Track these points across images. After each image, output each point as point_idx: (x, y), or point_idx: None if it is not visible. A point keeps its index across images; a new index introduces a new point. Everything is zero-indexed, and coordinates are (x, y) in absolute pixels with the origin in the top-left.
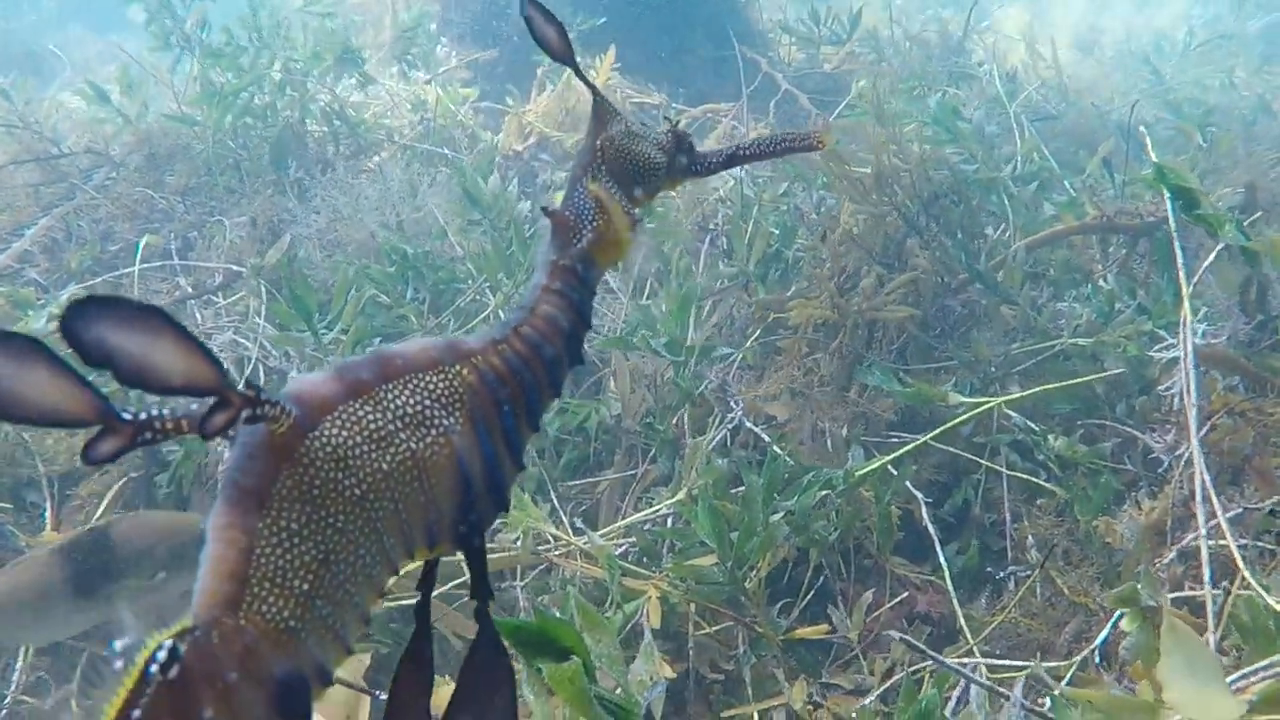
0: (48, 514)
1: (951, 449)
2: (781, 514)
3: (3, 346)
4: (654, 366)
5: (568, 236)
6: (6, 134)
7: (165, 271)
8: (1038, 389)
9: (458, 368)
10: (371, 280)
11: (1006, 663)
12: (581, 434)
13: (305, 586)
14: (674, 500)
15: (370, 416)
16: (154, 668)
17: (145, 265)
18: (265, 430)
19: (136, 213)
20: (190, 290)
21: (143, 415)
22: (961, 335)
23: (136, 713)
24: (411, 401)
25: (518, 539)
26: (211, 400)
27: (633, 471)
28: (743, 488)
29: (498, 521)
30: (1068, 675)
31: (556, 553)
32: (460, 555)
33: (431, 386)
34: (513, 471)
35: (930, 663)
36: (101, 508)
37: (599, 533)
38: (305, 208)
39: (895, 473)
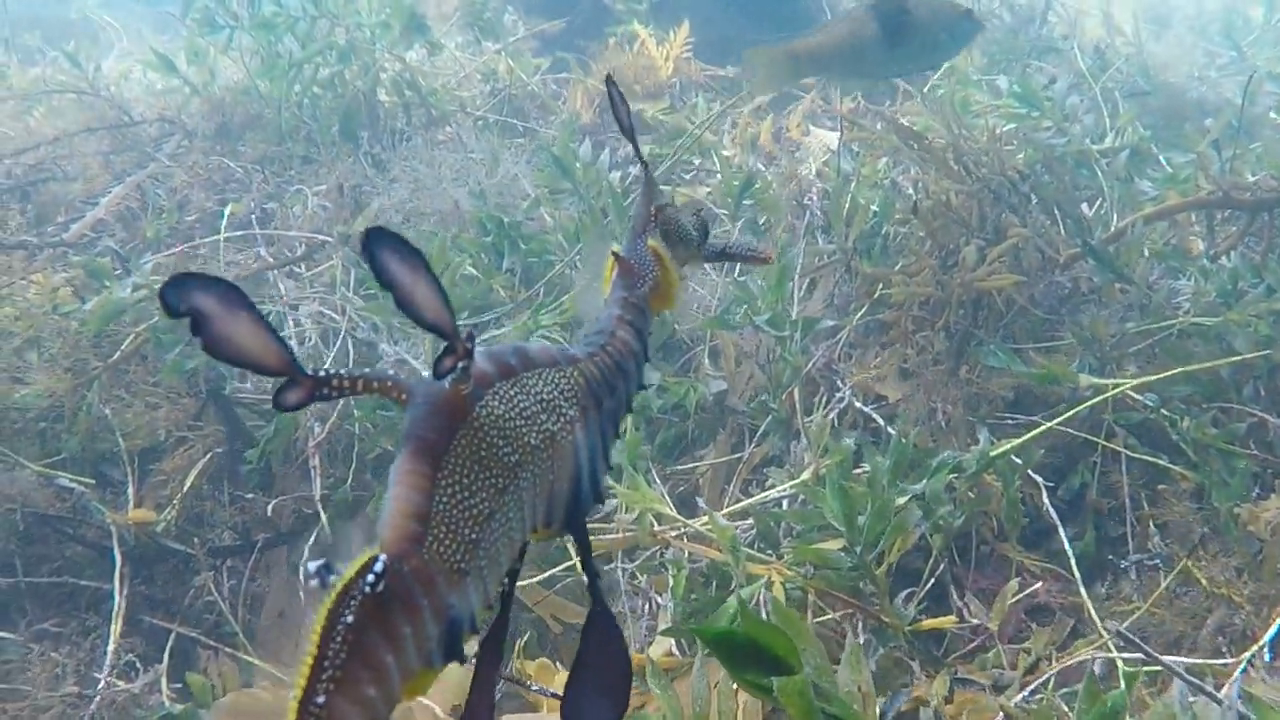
0: (130, 489)
1: (1069, 430)
2: (908, 498)
3: (216, 290)
4: (754, 344)
5: (633, 280)
6: (76, 101)
7: (245, 241)
8: (1177, 370)
9: (571, 369)
10: (462, 250)
11: (1176, 658)
12: (678, 412)
13: (473, 536)
14: (799, 481)
15: (519, 397)
16: (365, 581)
17: (226, 235)
18: (447, 391)
19: (212, 181)
20: (271, 260)
21: (322, 372)
22: (1070, 313)
23: (349, 617)
24: (546, 390)
25: (634, 520)
26: (443, 344)
27: (738, 455)
28: (862, 469)
29: (612, 503)
30: (1237, 672)
31: (673, 534)
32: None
33: (558, 380)
34: (605, 468)
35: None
36: (187, 483)
37: (720, 514)
38: (384, 177)
39: (1019, 461)
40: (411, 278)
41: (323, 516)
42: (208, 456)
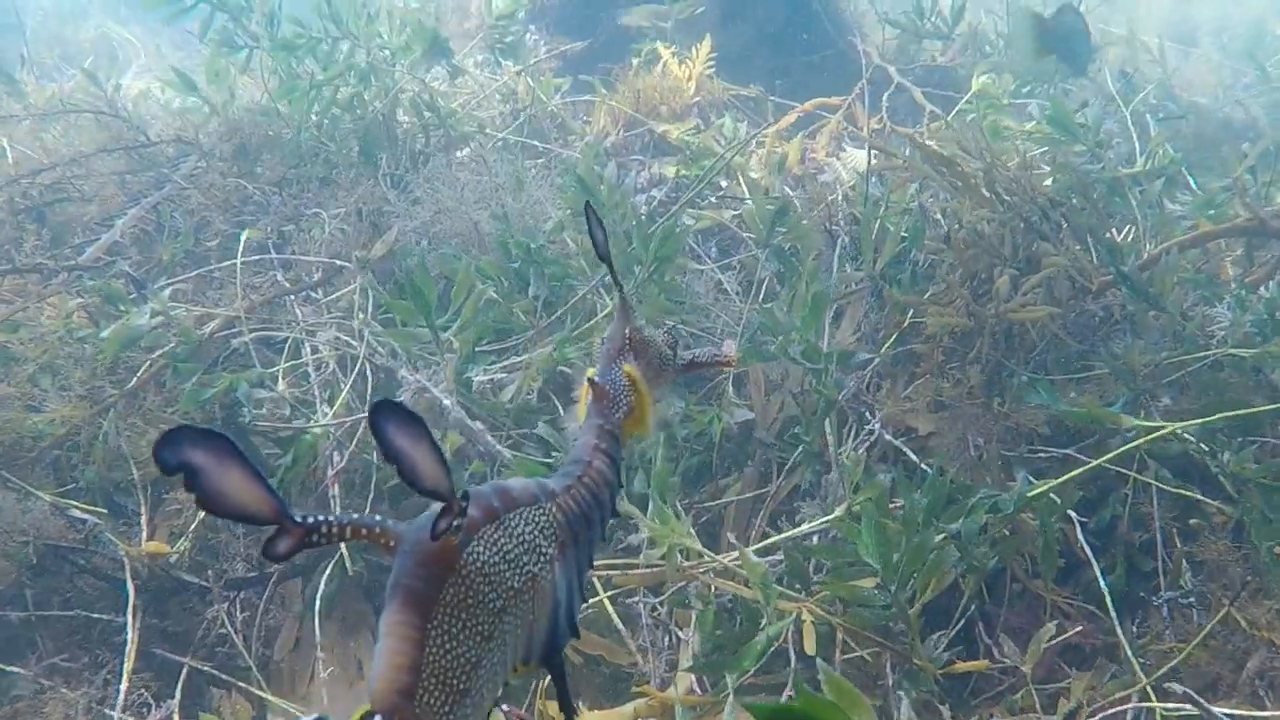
0: (143, 520)
1: (1100, 462)
2: (943, 536)
3: (208, 445)
4: (780, 374)
5: (608, 407)
6: (93, 121)
7: (262, 265)
8: (1218, 409)
9: (550, 505)
10: (483, 275)
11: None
12: (701, 441)
13: (462, 686)
14: (832, 517)
15: (502, 540)
16: None
17: (242, 260)
18: (433, 542)
19: (229, 204)
20: (288, 285)
21: (310, 519)
22: (1102, 342)
23: None
24: (527, 530)
25: (661, 555)
26: (439, 505)
27: (765, 490)
28: (896, 504)
29: (642, 535)
30: None
31: (701, 570)
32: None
33: (537, 519)
34: (580, 601)
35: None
36: (201, 512)
37: (750, 549)
38: (405, 198)
39: (1058, 500)
40: (413, 447)
41: (343, 549)
42: None
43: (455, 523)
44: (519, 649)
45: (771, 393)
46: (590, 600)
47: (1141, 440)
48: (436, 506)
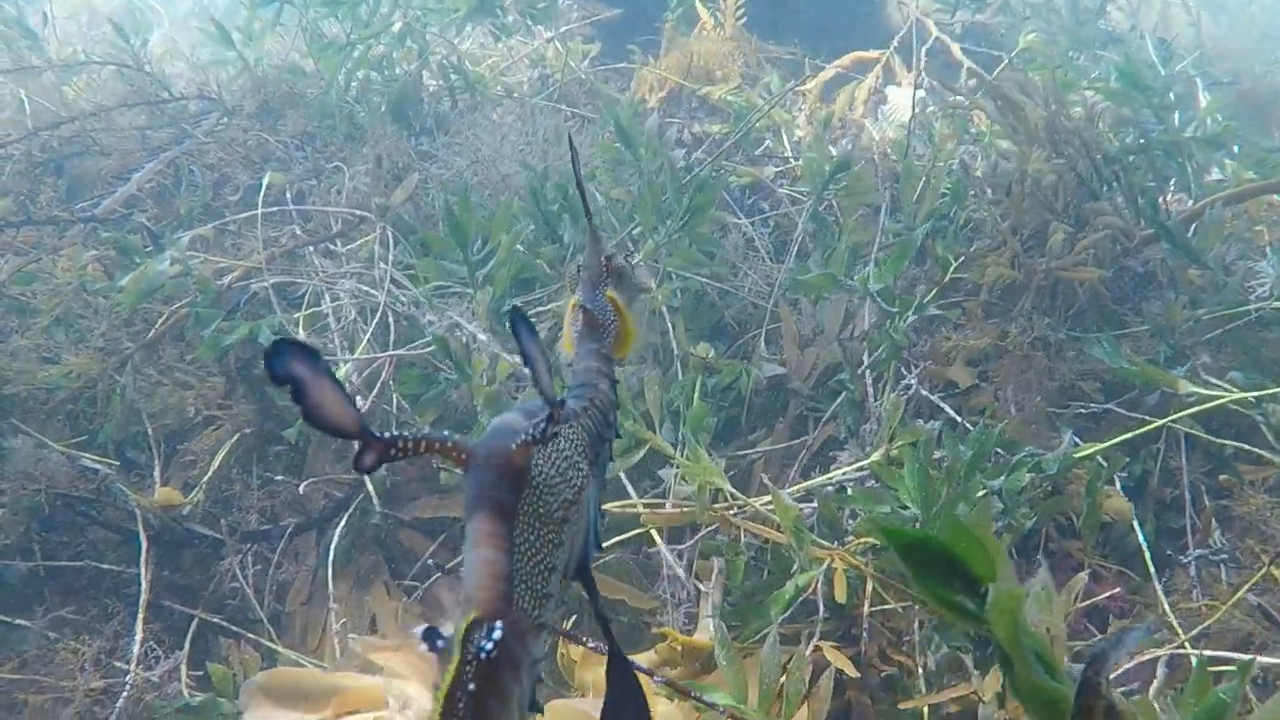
0: (156, 472)
1: (1161, 424)
2: (983, 492)
3: (309, 359)
4: (812, 327)
5: (599, 332)
6: (116, 75)
7: (281, 217)
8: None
9: (577, 425)
10: (516, 220)
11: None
12: (728, 396)
13: (546, 590)
14: (871, 460)
15: (555, 455)
16: (484, 647)
17: (262, 211)
18: (512, 454)
19: (250, 159)
20: (306, 236)
21: (388, 435)
22: (1141, 299)
23: (470, 685)
24: (571, 447)
25: (692, 495)
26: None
27: (799, 439)
28: (939, 457)
29: (672, 475)
30: None
31: (731, 513)
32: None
33: (574, 437)
34: (601, 518)
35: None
36: (214, 463)
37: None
38: (435, 154)
39: (1105, 463)
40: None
41: (371, 491)
42: (236, 437)
43: (555, 430)
44: (569, 559)
45: (805, 347)
46: (609, 544)
47: (1201, 407)
48: (503, 423)
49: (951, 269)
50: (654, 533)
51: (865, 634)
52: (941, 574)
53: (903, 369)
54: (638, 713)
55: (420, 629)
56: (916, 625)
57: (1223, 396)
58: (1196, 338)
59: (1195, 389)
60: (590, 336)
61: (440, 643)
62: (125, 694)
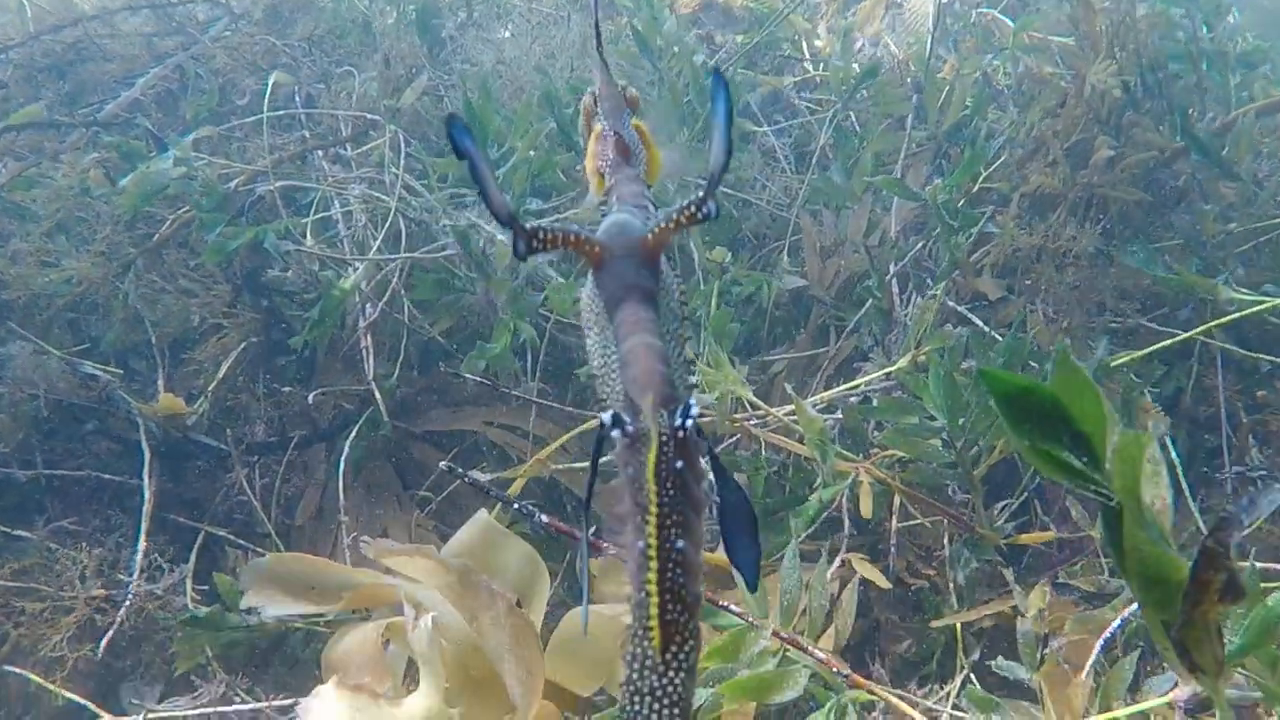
0: (160, 381)
1: (1168, 330)
2: None
3: (475, 142)
4: (833, 239)
5: (632, 159)
6: None
7: (288, 123)
8: None
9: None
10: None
11: None
12: (749, 309)
13: (687, 383)
14: (896, 367)
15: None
16: (684, 424)
17: (269, 114)
18: (649, 243)
19: (257, 65)
20: (314, 140)
21: (531, 225)
22: (1172, 211)
23: (677, 462)
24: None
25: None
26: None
27: (822, 349)
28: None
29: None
30: None
31: (752, 423)
32: None
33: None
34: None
35: None
36: (220, 372)
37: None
38: (480, 42)
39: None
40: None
41: (380, 402)
42: (243, 345)
43: (704, 211)
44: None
45: (827, 257)
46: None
47: (1238, 314)
48: (621, 221)
49: (981, 179)
50: None
51: (893, 549)
52: (1048, 427)
53: (928, 280)
54: (748, 514)
55: (606, 416)
56: (946, 540)
57: (1266, 302)
58: (1228, 251)
59: (1236, 294)
60: (627, 162)
61: (628, 428)
62: (128, 603)
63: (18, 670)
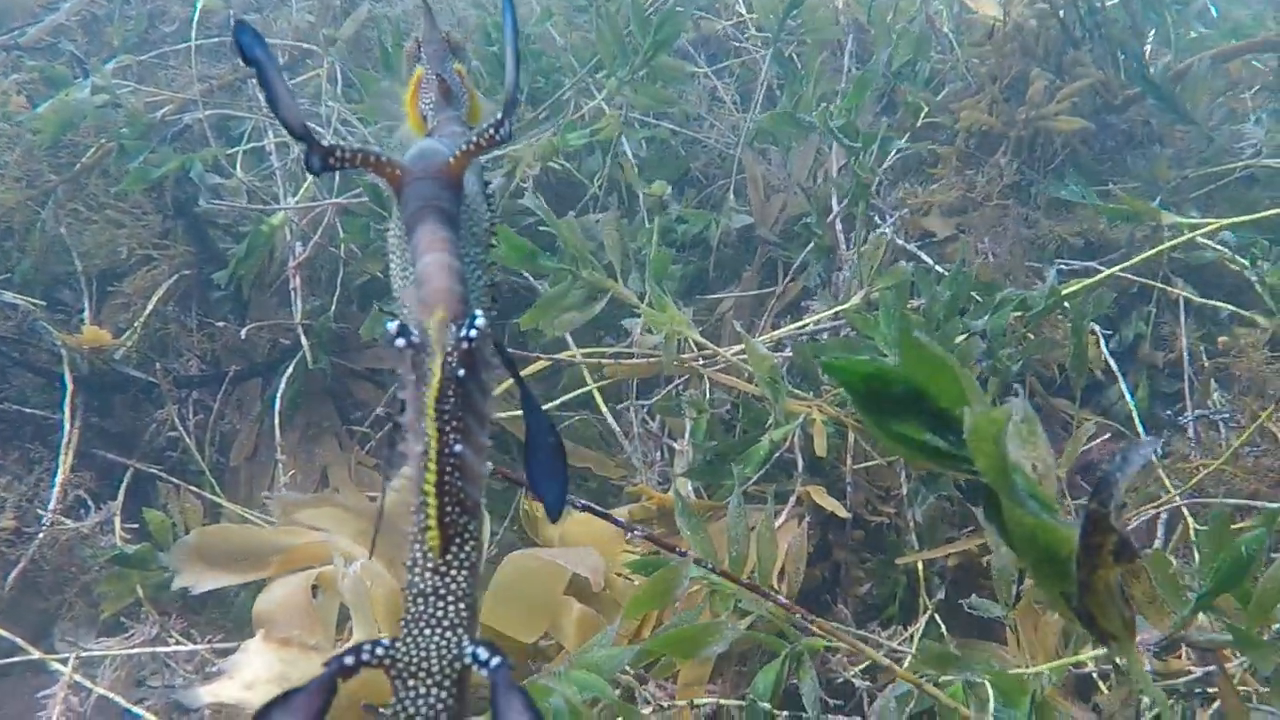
0: (86, 313)
1: (1128, 276)
2: (965, 334)
3: (267, 48)
4: (781, 178)
5: (455, 102)
6: None
7: (220, 53)
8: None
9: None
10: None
11: None
12: (696, 249)
13: (488, 291)
14: (846, 306)
15: (474, 177)
16: (469, 335)
17: (200, 42)
18: (450, 166)
19: None
20: (245, 70)
21: (329, 143)
22: (1125, 157)
23: (460, 370)
24: (477, 180)
25: (657, 345)
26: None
27: (769, 289)
28: (916, 304)
29: (638, 326)
30: None
31: (701, 364)
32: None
33: (477, 171)
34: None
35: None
36: (150, 305)
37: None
38: None
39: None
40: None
41: (304, 345)
42: (174, 278)
43: (502, 133)
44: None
45: (771, 195)
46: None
47: (1181, 239)
48: (428, 146)
49: (923, 114)
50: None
51: (849, 488)
52: (904, 410)
53: (876, 218)
54: (554, 443)
55: (393, 326)
56: (904, 478)
57: (1206, 224)
58: (1183, 195)
59: (1178, 220)
60: (449, 104)
61: (414, 338)
62: (40, 535)
63: None
